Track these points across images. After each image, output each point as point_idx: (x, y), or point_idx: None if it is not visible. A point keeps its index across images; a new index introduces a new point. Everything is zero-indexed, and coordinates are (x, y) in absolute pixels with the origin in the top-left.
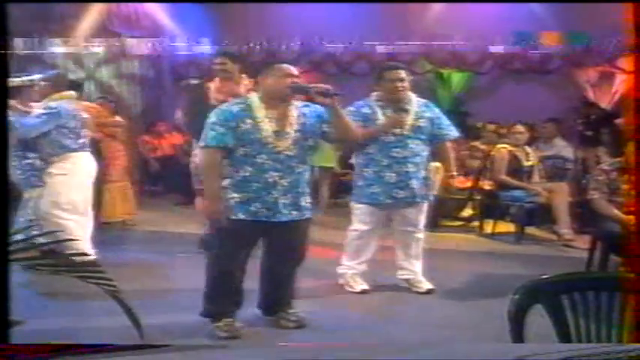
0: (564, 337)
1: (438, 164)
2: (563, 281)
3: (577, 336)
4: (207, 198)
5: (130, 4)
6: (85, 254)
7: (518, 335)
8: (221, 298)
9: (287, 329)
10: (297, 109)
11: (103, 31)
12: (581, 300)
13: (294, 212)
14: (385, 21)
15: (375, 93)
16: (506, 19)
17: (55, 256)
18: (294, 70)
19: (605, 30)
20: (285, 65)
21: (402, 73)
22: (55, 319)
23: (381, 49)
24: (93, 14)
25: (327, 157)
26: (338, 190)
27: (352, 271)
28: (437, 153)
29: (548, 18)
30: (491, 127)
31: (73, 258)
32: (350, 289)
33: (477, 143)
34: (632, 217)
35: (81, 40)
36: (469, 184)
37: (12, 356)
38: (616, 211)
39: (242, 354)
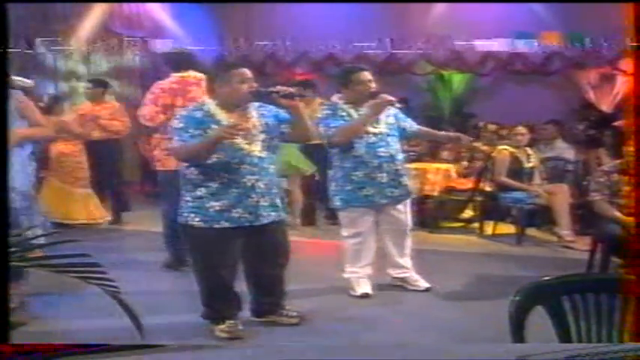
0: (565, 338)
1: (439, 165)
2: (564, 283)
3: (577, 337)
4: (206, 144)
5: (132, 5)
6: (86, 255)
7: (518, 336)
8: (218, 303)
9: (287, 326)
10: (255, 110)
11: (104, 31)
12: (582, 302)
13: (273, 213)
14: (386, 22)
15: (338, 95)
16: (507, 20)
17: (56, 256)
18: (249, 74)
19: (606, 31)
20: (241, 70)
21: (367, 74)
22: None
23: (381, 50)
24: (94, 14)
25: (300, 160)
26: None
27: (356, 275)
28: (423, 137)
29: (549, 19)
30: (492, 127)
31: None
32: (352, 293)
33: (477, 144)
34: (632, 218)
35: (82, 40)
36: (470, 185)
37: (12, 356)
38: (617, 213)
39: (242, 354)
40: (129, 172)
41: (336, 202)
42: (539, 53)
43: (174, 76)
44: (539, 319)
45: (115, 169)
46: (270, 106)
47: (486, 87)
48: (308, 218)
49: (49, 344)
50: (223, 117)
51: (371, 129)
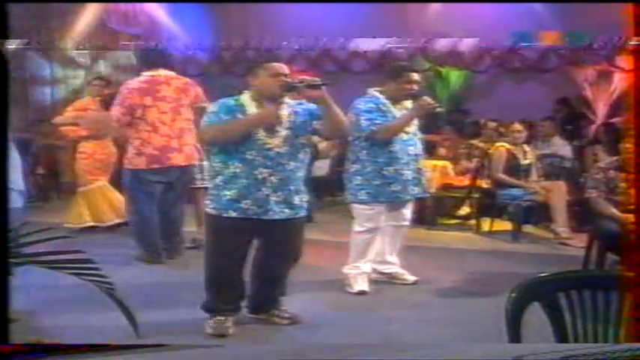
0: (561, 335)
1: (436, 162)
2: (560, 279)
3: (574, 334)
4: (247, 122)
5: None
6: (81, 251)
7: (515, 333)
8: (215, 294)
9: (280, 326)
10: (288, 107)
11: (100, 27)
12: (578, 298)
13: (287, 210)
14: (383, 19)
15: (378, 88)
16: (505, 17)
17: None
18: (284, 69)
19: (604, 28)
20: (275, 64)
21: (417, 76)
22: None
23: (378, 46)
24: (91, 11)
25: None
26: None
27: (356, 271)
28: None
29: (547, 16)
30: (492, 124)
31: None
32: (349, 290)
33: (475, 141)
34: (629, 215)
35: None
36: (467, 182)
37: (10, 356)
38: (613, 210)
39: (241, 353)
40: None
41: (361, 197)
42: (537, 50)
43: (144, 75)
44: (535, 315)
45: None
46: (309, 104)
47: (484, 84)
48: None
49: (48, 344)
50: (253, 110)
51: (405, 127)
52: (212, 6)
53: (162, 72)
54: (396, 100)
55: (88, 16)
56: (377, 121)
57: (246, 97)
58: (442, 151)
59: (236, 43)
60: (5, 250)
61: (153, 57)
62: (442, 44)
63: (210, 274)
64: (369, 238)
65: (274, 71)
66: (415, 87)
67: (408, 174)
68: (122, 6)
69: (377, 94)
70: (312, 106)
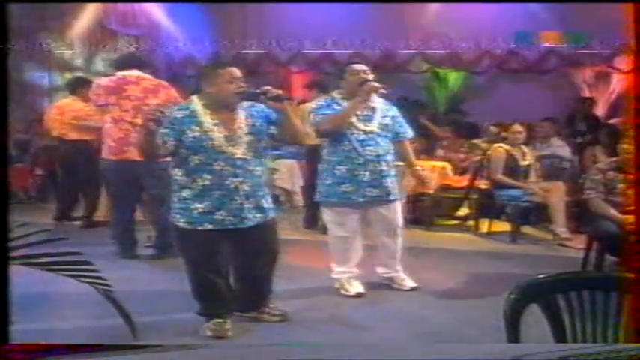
0: (560, 336)
1: (434, 163)
2: (559, 281)
3: (572, 335)
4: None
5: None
6: (78, 253)
7: (513, 334)
8: (207, 301)
9: (271, 323)
10: (244, 110)
11: (99, 28)
12: (577, 299)
13: (258, 215)
14: (382, 20)
15: (337, 90)
16: (503, 18)
17: (49, 254)
18: (238, 73)
19: (602, 29)
20: (230, 69)
21: (363, 66)
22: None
23: (377, 47)
24: (90, 11)
25: None
26: None
27: (347, 274)
28: (400, 152)
29: (545, 17)
30: (495, 129)
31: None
32: (345, 293)
33: (477, 141)
34: (628, 216)
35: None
36: (465, 183)
37: (9, 356)
38: (612, 211)
39: (239, 353)
40: None
41: (317, 196)
42: (535, 51)
43: (116, 74)
44: (534, 316)
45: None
46: (261, 106)
47: (482, 85)
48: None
49: (48, 344)
50: (207, 119)
51: (362, 126)
52: (211, 7)
53: (135, 72)
54: (354, 97)
55: (86, 16)
56: (320, 113)
57: (198, 105)
58: (441, 152)
59: (235, 44)
60: (5, 250)
61: (127, 59)
62: (441, 45)
63: (196, 285)
64: (344, 241)
65: (229, 77)
66: (364, 76)
67: (364, 175)
68: (121, 6)
69: (335, 94)
70: (266, 109)
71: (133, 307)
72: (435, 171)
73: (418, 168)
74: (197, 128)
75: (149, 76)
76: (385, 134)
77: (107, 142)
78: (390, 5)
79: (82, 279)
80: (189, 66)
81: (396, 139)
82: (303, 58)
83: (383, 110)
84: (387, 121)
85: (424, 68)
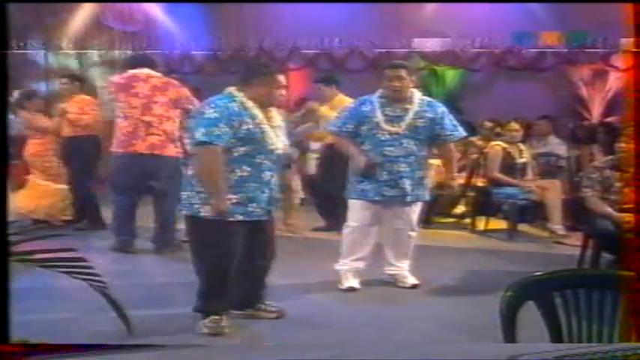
0: (556, 334)
1: (431, 161)
2: (555, 278)
3: (568, 333)
4: (214, 198)
5: None
6: (73, 249)
7: (509, 332)
8: (214, 297)
9: (268, 320)
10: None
11: (96, 25)
12: (573, 297)
13: (273, 208)
14: (379, 17)
15: (379, 90)
16: (501, 16)
17: (43, 251)
18: (284, 82)
19: (599, 28)
20: (280, 77)
21: (402, 72)
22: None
23: (374, 45)
24: (87, 9)
25: None
26: None
27: (346, 267)
28: (440, 153)
29: (544, 16)
30: (489, 124)
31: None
32: (339, 286)
33: (473, 139)
34: (625, 214)
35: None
36: (462, 180)
37: (10, 356)
38: (608, 209)
39: (238, 353)
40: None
41: (348, 193)
42: (533, 50)
43: (127, 72)
44: (530, 314)
45: (88, 168)
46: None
47: (479, 83)
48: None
49: (48, 344)
50: (257, 112)
51: (388, 127)
52: (208, 4)
53: (146, 71)
54: (389, 102)
55: (83, 13)
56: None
57: (245, 98)
58: (435, 150)
59: (232, 41)
60: (5, 250)
61: (139, 59)
62: (438, 43)
63: (211, 279)
64: (354, 235)
65: (279, 84)
66: (398, 84)
67: (381, 175)
68: (118, 4)
69: (373, 96)
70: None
71: (130, 302)
72: (432, 168)
73: (454, 176)
74: (250, 121)
75: (158, 75)
76: (414, 135)
77: (117, 135)
78: (388, 4)
79: (77, 275)
80: (186, 63)
81: (437, 140)
82: (300, 55)
83: (418, 112)
84: (421, 122)
85: (421, 66)
